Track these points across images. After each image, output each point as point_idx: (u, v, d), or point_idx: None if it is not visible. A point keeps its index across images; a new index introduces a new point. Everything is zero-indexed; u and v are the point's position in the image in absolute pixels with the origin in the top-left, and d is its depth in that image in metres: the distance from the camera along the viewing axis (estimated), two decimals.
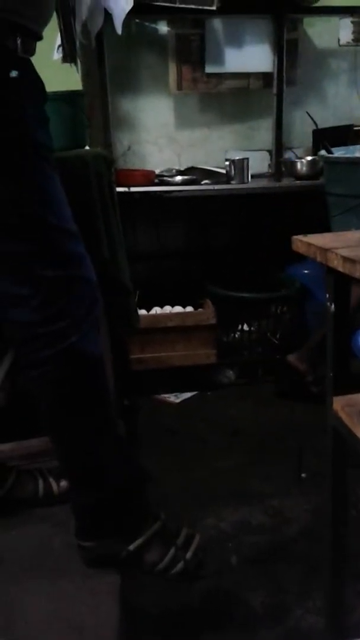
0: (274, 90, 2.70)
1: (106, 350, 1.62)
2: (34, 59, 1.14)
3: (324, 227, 2.18)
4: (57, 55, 1.96)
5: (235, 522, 1.64)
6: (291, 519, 1.65)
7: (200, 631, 1.31)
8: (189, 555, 1.30)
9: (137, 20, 2.57)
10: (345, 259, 0.89)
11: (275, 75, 2.68)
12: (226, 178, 2.54)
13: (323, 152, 2.27)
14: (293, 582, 1.42)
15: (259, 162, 2.78)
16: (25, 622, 1.17)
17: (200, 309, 2.55)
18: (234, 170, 2.51)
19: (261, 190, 2.60)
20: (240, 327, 2.58)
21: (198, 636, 1.31)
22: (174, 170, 2.71)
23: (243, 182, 2.52)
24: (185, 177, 2.58)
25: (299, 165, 2.59)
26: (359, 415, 0.99)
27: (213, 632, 1.30)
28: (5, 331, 1.21)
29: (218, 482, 1.83)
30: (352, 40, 2.73)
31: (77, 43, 1.94)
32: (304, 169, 2.58)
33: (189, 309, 2.58)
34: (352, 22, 2.69)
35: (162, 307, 2.61)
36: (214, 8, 2.38)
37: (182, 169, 2.75)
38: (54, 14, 1.42)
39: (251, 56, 2.67)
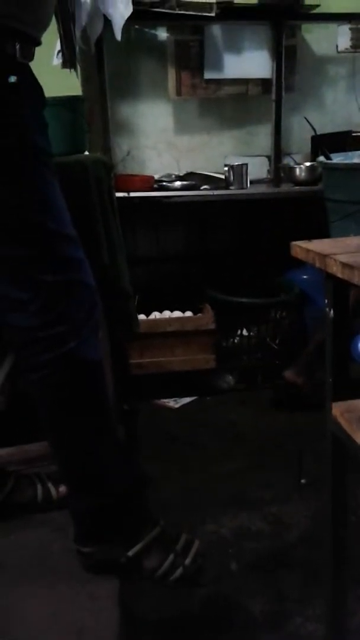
0: (273, 96, 2.71)
1: (106, 355, 1.62)
2: (33, 64, 1.15)
3: (323, 232, 2.19)
4: (57, 60, 1.98)
5: (234, 527, 1.64)
6: (291, 524, 1.65)
7: (199, 637, 1.30)
8: (188, 561, 1.30)
9: (136, 27, 2.58)
10: (344, 265, 0.89)
11: (274, 82, 2.69)
12: (225, 183, 2.55)
13: (322, 158, 2.28)
14: (293, 588, 1.42)
15: (258, 168, 2.79)
16: (24, 626, 1.17)
17: (199, 314, 2.55)
18: (233, 175, 2.52)
19: (260, 196, 2.61)
20: (239, 332, 2.58)
21: None
22: (173, 176, 2.72)
23: (242, 188, 2.53)
24: (185, 182, 2.59)
25: (297, 171, 2.59)
26: (358, 421, 0.99)
27: (212, 638, 1.30)
28: (5, 335, 1.21)
29: (217, 487, 1.83)
30: (350, 46, 2.73)
31: (77, 49, 1.95)
32: (303, 174, 2.58)
33: (188, 313, 2.59)
34: (350, 28, 2.69)
35: (161, 311, 2.61)
36: (213, 14, 2.39)
37: (181, 174, 2.75)
38: (54, 20, 1.43)
39: (250, 62, 2.68)
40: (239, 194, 2.53)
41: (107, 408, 1.29)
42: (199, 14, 2.39)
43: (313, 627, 1.30)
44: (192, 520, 1.62)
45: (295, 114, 2.83)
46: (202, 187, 2.58)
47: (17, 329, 1.17)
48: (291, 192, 2.60)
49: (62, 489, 1.52)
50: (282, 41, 2.62)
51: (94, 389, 1.24)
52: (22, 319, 1.14)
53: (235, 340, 2.59)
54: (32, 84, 1.15)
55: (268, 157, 2.86)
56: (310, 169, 2.57)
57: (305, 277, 2.62)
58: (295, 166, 2.62)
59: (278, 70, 2.66)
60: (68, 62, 1.72)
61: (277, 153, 2.78)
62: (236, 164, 2.53)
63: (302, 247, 1.03)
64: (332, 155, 2.27)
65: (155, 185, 2.56)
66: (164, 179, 2.66)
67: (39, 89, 1.18)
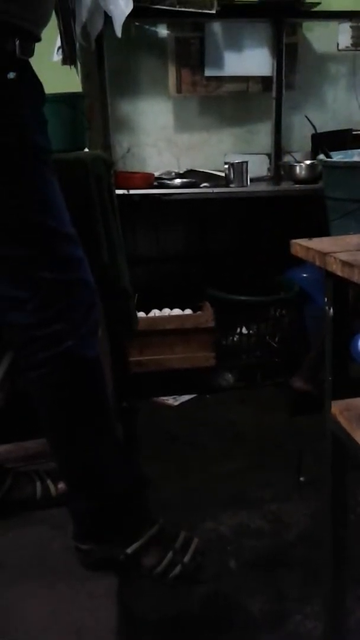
0: (273, 94, 2.70)
1: (105, 353, 1.62)
2: (33, 61, 1.15)
3: (323, 231, 2.18)
4: (57, 57, 1.97)
5: (234, 526, 1.64)
6: (290, 523, 1.65)
7: (198, 635, 1.30)
8: (186, 558, 1.30)
9: (136, 23, 2.57)
10: (344, 263, 0.89)
11: (274, 79, 2.68)
12: (225, 181, 2.54)
13: (322, 156, 2.28)
14: (292, 586, 1.42)
15: (258, 166, 2.78)
16: (23, 625, 1.17)
17: (199, 312, 2.55)
18: (233, 173, 2.51)
19: (260, 194, 2.60)
20: (239, 330, 2.58)
21: None
22: (173, 173, 2.71)
23: (242, 186, 2.52)
24: (185, 180, 2.58)
25: (298, 169, 2.59)
26: (357, 420, 0.99)
27: (211, 636, 1.30)
28: (5, 333, 1.21)
29: (217, 485, 1.83)
30: (351, 44, 2.73)
31: (77, 45, 1.94)
32: (303, 172, 2.58)
33: (188, 311, 2.58)
34: (351, 26, 2.69)
35: (161, 309, 2.61)
36: (213, 12, 2.39)
37: (181, 172, 2.75)
38: (54, 16, 1.43)
39: (250, 60, 2.67)
40: (239, 191, 2.52)
41: (107, 407, 1.29)
42: (200, 11, 2.39)
43: (312, 625, 1.30)
44: (191, 518, 1.62)
45: (296, 112, 2.83)
46: (202, 185, 2.57)
47: (16, 327, 1.16)
48: (291, 190, 2.60)
49: (61, 485, 1.52)
50: (282, 39, 2.61)
51: (92, 387, 1.24)
52: (21, 317, 1.14)
53: (235, 339, 2.58)
54: (32, 81, 1.15)
55: (268, 155, 2.85)
56: (310, 167, 2.56)
57: (305, 275, 2.62)
58: (296, 164, 2.61)
59: (278, 68, 2.65)
60: (68, 58, 1.71)
61: (278, 151, 2.77)
62: (236, 161, 2.53)
63: (302, 245, 1.03)
64: (332, 154, 2.26)
65: (155, 183, 2.56)
66: (164, 176, 2.65)
67: (38, 85, 1.18)
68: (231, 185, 2.52)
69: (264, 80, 2.74)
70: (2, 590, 1.25)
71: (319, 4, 2.57)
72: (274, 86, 2.69)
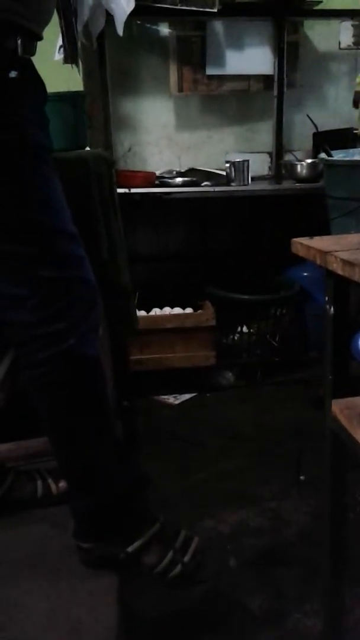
0: (275, 92, 2.71)
1: (105, 352, 1.62)
2: (35, 59, 1.14)
3: (324, 229, 2.18)
4: (59, 55, 1.97)
5: (233, 524, 1.64)
6: (290, 521, 1.65)
7: (198, 634, 1.31)
8: (187, 558, 1.30)
9: (138, 22, 2.57)
10: (345, 262, 0.89)
11: (275, 78, 2.69)
12: (226, 180, 2.54)
13: (323, 155, 2.27)
14: (291, 585, 1.42)
15: (259, 165, 2.79)
16: (23, 623, 1.17)
17: (199, 311, 2.55)
18: (234, 172, 2.51)
19: (261, 193, 2.60)
20: (239, 329, 2.58)
21: (196, 639, 1.31)
22: (174, 172, 2.71)
23: (243, 184, 2.53)
24: (186, 178, 2.58)
25: (299, 168, 2.59)
26: (357, 419, 0.99)
27: (211, 634, 1.30)
28: (5, 332, 1.21)
29: (217, 484, 1.83)
30: (353, 43, 2.72)
31: (79, 44, 1.94)
32: (304, 171, 2.58)
33: (189, 310, 2.58)
34: (352, 25, 2.68)
35: (161, 308, 2.61)
36: (215, 10, 2.39)
37: (182, 170, 2.75)
38: (56, 14, 1.43)
39: (252, 58, 2.68)
40: (240, 190, 2.53)
41: (107, 406, 1.29)
42: (202, 9, 2.39)
43: (311, 622, 1.31)
44: (191, 517, 1.63)
45: (297, 110, 2.83)
46: (203, 184, 2.57)
47: (16, 326, 1.16)
48: (292, 189, 2.60)
49: (62, 484, 1.51)
50: (284, 37, 2.62)
51: (93, 387, 1.24)
52: (21, 315, 1.14)
53: (236, 337, 2.59)
54: (33, 80, 1.14)
55: (269, 153, 2.85)
56: (311, 166, 2.56)
57: (305, 274, 2.62)
58: (297, 163, 2.61)
59: (280, 67, 2.66)
60: (70, 57, 1.71)
61: (279, 150, 2.78)
62: (237, 160, 2.53)
63: (303, 244, 1.03)
64: (333, 152, 2.26)
65: (157, 182, 2.56)
66: (165, 175, 2.65)
67: (40, 84, 1.18)
68: (232, 184, 2.52)
69: (266, 79, 2.74)
70: (2, 588, 1.25)
71: (320, 2, 2.57)
72: (275, 85, 2.69)
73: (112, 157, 2.44)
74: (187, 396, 2.47)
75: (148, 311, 2.57)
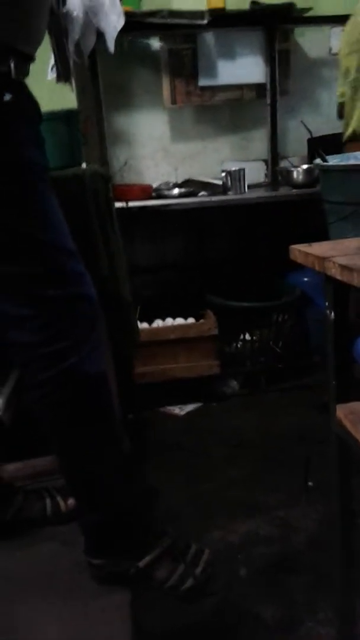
0: (268, 100, 2.72)
1: (109, 366, 1.62)
2: (28, 79, 1.16)
3: (322, 234, 2.19)
4: (52, 74, 1.98)
5: (243, 533, 1.63)
6: (299, 528, 1.64)
7: None
8: (198, 570, 1.30)
9: (129, 38, 2.59)
10: (343, 268, 0.89)
11: (268, 86, 2.70)
12: (223, 189, 2.55)
13: (318, 160, 2.28)
14: (303, 592, 1.41)
15: (255, 172, 2.80)
16: None
17: (201, 320, 2.56)
18: (231, 181, 2.52)
19: (258, 200, 2.61)
20: (242, 336, 2.58)
21: None
22: (170, 184, 2.73)
23: (240, 193, 2.54)
24: (182, 189, 2.59)
25: (295, 174, 2.60)
26: None
27: None
28: (8, 352, 1.21)
29: (224, 494, 1.83)
30: None
31: (71, 62, 1.95)
32: (300, 177, 2.59)
33: (191, 320, 2.59)
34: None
35: (163, 319, 2.61)
36: (204, 22, 2.41)
37: (178, 181, 2.76)
38: (47, 35, 1.44)
39: (244, 68, 2.69)
40: (237, 199, 2.53)
41: (112, 422, 1.28)
42: (191, 22, 2.41)
43: (324, 630, 1.30)
44: (199, 527, 1.62)
45: (291, 117, 2.84)
46: (200, 194, 2.58)
47: (18, 345, 1.16)
48: (289, 195, 2.60)
49: (71, 501, 1.51)
50: (275, 45, 2.64)
51: (97, 403, 1.24)
52: (24, 335, 1.14)
53: (238, 345, 2.59)
54: (27, 101, 1.16)
55: (265, 161, 2.87)
56: (307, 172, 2.57)
57: (306, 279, 2.62)
58: (293, 169, 2.62)
59: (272, 75, 2.67)
60: (62, 75, 1.73)
61: (274, 157, 2.79)
62: (233, 169, 2.54)
63: (301, 251, 1.03)
64: (328, 157, 2.27)
65: (154, 194, 2.57)
66: (161, 187, 2.67)
67: (34, 105, 1.19)
68: (229, 193, 2.53)
69: (258, 87, 2.76)
70: (14, 607, 1.25)
71: (310, 9, 2.58)
72: (268, 93, 2.71)
73: (109, 172, 2.45)
74: (192, 406, 2.46)
75: (150, 323, 2.57)
